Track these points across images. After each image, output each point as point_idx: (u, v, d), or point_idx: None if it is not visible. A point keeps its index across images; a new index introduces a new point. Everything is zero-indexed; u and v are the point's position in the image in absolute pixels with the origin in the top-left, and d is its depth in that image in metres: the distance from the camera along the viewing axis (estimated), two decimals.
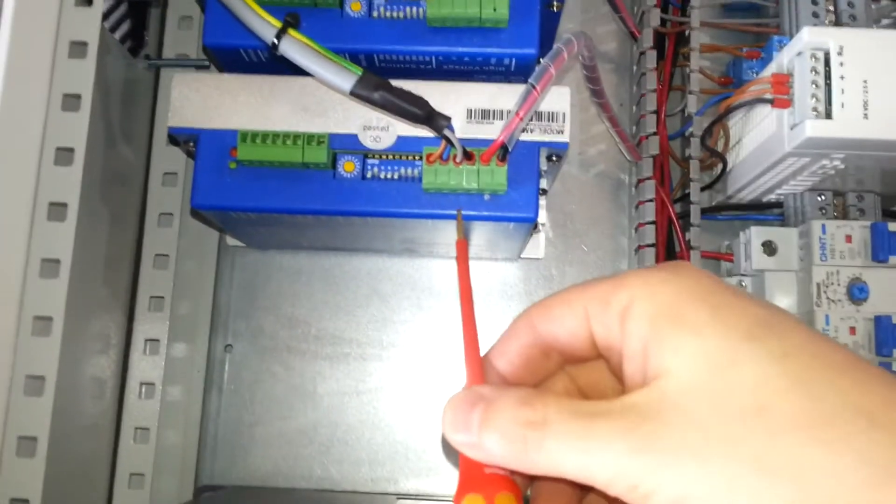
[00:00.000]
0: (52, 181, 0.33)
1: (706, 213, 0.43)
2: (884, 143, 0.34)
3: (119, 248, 0.43)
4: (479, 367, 0.26)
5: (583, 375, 0.26)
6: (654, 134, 0.43)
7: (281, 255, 0.47)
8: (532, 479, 0.26)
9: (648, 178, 0.42)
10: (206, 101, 0.36)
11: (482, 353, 0.27)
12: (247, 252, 0.47)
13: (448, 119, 0.33)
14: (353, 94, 0.32)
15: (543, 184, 0.39)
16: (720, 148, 0.42)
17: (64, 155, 0.34)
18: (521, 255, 0.46)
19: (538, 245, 0.47)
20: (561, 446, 0.21)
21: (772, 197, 0.42)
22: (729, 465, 0.19)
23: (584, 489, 0.27)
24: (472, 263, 0.46)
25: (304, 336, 0.46)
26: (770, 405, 0.20)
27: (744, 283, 0.41)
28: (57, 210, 0.33)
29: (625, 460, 0.20)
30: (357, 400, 0.45)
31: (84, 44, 0.35)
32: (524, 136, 0.36)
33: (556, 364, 0.26)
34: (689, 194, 0.42)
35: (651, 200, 0.42)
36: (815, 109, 0.34)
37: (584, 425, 0.21)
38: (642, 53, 0.44)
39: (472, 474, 0.24)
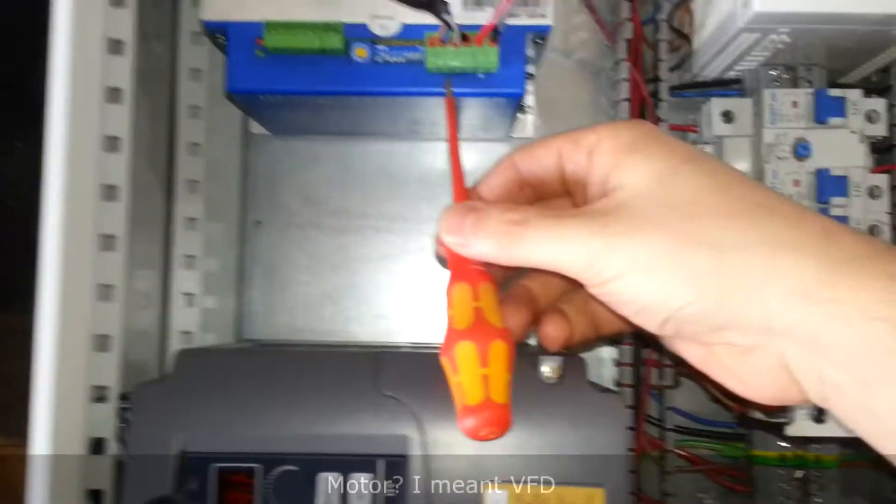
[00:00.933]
0: (107, 69, 0.39)
1: (674, 90, 0.49)
2: (822, 17, 0.39)
3: (158, 137, 0.48)
4: (464, 190, 0.33)
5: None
6: (629, 20, 0.48)
7: (300, 141, 0.53)
8: (505, 275, 0.33)
9: (623, 60, 0.48)
10: None
11: (469, 186, 0.33)
12: (269, 139, 0.53)
13: (446, 4, 0.39)
14: None
15: (530, 69, 0.45)
16: (686, 31, 0.48)
17: (115, 45, 0.39)
18: (511, 135, 0.52)
19: (526, 125, 0.52)
20: (537, 239, 0.27)
21: (732, 74, 0.48)
22: (662, 241, 0.26)
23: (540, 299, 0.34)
24: (468, 144, 0.53)
25: (323, 212, 0.52)
26: (699, 200, 0.26)
27: (706, 150, 0.47)
28: (113, 93, 0.39)
29: (585, 245, 0.27)
30: (374, 266, 0.52)
31: None
32: (512, 21, 0.41)
33: (527, 199, 0.33)
34: (659, 75, 0.47)
35: (626, 80, 0.48)
36: None
37: (554, 222, 0.27)
38: None
39: (459, 270, 0.31)
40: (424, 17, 0.41)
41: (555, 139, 0.32)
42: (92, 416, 0.38)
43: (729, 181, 0.27)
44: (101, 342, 0.39)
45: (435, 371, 0.35)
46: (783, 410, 0.41)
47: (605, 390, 0.35)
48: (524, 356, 0.35)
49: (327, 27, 0.41)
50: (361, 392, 0.34)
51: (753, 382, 0.27)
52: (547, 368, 0.34)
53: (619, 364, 0.49)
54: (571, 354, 0.36)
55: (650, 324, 0.27)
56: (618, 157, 0.28)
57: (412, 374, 0.35)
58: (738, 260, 0.25)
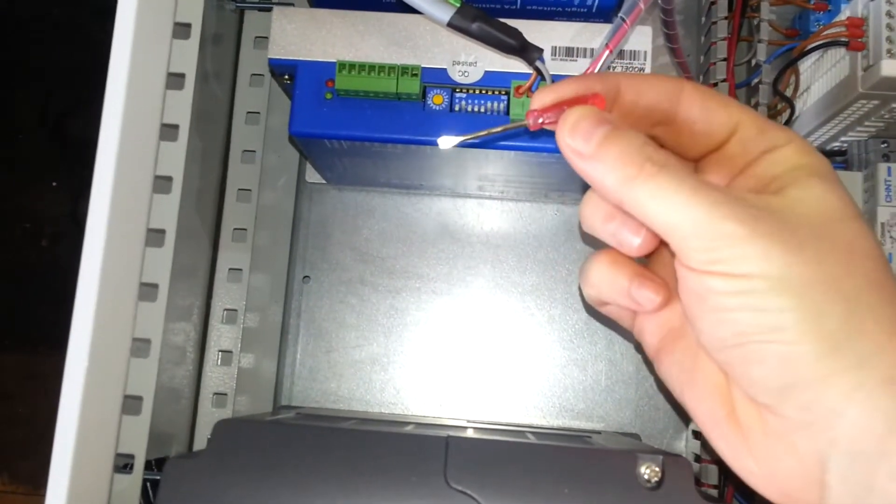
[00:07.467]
0: (165, 104, 0.35)
1: None
2: None
3: (208, 182, 0.45)
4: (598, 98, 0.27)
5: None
6: (724, 81, 0.44)
7: (357, 192, 0.49)
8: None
9: None
10: (304, 33, 0.38)
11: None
12: (324, 189, 0.49)
13: (540, 51, 0.35)
14: (451, 25, 0.34)
15: None
16: (789, 94, 0.44)
17: (176, 79, 0.36)
18: None
19: None
20: (669, 188, 0.23)
21: (836, 145, 0.44)
22: (810, 271, 0.22)
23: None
24: (540, 205, 0.49)
25: (378, 270, 0.48)
26: (854, 257, 0.23)
27: None
28: (169, 130, 0.36)
29: (725, 226, 0.22)
30: (428, 331, 0.48)
31: None
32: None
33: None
34: None
35: None
36: (889, 51, 0.36)
37: (697, 183, 0.23)
38: (713, 3, 0.45)
39: None
40: (510, 65, 0.37)
41: (701, 89, 0.27)
42: (115, 489, 0.34)
43: (880, 254, 0.24)
44: (132, 405, 0.35)
45: (514, 463, 0.30)
46: None
47: (712, 498, 0.30)
48: (618, 454, 0.30)
49: (404, 70, 0.37)
50: (427, 485, 0.29)
51: (770, 467, 0.24)
52: (646, 469, 0.29)
53: (699, 460, 0.44)
54: (673, 454, 0.31)
55: (726, 340, 0.23)
56: (808, 175, 0.24)
57: (487, 465, 0.30)
58: (859, 328, 0.22)
